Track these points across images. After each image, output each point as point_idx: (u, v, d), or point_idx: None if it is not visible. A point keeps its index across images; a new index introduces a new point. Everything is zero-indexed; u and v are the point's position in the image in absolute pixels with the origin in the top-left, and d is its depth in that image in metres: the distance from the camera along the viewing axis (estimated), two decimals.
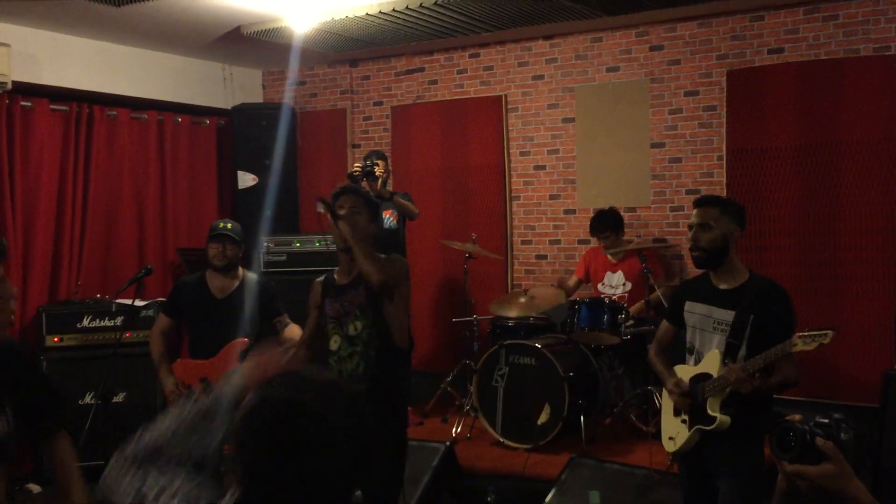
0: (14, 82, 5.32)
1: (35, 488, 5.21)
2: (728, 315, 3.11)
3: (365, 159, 5.77)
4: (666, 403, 3.38)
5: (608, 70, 6.11)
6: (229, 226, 4.38)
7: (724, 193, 5.45)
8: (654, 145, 5.97)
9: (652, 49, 5.94)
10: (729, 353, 3.08)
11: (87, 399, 5.35)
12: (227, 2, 5.03)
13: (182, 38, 6.01)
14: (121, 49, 6.18)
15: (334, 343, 3.46)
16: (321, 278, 3.61)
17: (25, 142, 5.76)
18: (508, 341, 5.27)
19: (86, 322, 5.55)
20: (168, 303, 4.52)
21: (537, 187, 6.42)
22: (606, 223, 5.59)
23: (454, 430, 5.38)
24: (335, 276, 3.54)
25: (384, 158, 5.91)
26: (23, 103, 5.71)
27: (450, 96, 6.73)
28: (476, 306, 5.94)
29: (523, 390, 5.12)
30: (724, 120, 5.66)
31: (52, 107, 5.92)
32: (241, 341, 4.13)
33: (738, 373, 2.98)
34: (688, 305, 3.29)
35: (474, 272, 6.11)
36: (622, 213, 5.78)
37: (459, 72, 6.68)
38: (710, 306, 3.19)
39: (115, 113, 6.34)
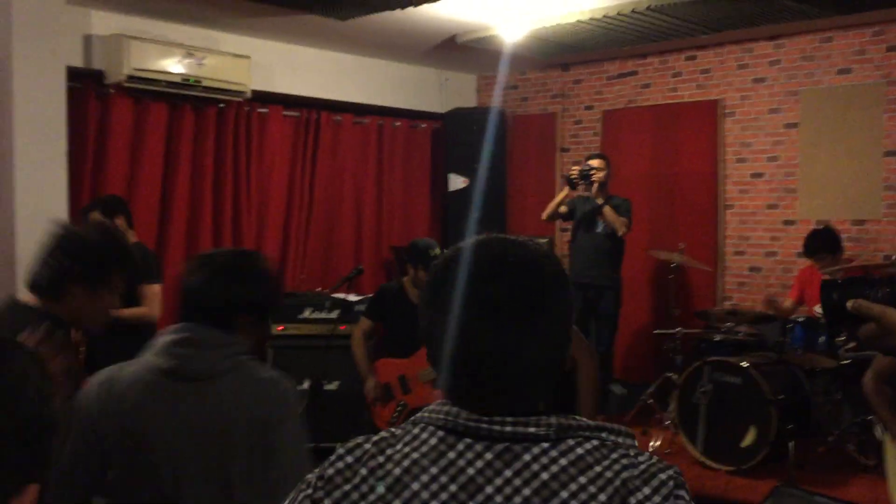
0: (253, 91, 5.83)
1: None
2: None
3: (586, 160, 5.76)
4: (892, 450, 3.10)
5: (839, 72, 5.68)
6: (439, 252, 4.56)
7: None
8: (888, 153, 5.48)
9: (890, 49, 5.45)
10: None
11: (304, 385, 5.77)
12: (442, 13, 5.22)
13: (401, 46, 6.31)
14: (346, 58, 6.60)
15: None
16: None
17: (261, 145, 6.30)
18: (713, 358, 5.07)
19: (306, 314, 5.99)
20: (370, 307, 4.76)
21: (754, 196, 6.11)
22: (820, 244, 5.13)
23: (653, 443, 5.26)
24: None
25: (604, 159, 5.84)
26: (259, 110, 6.25)
27: (663, 100, 6.55)
28: (681, 318, 5.76)
29: (727, 410, 4.90)
30: None
31: (284, 113, 6.43)
32: None
33: None
34: None
35: (681, 283, 5.92)
36: (850, 226, 5.36)
37: (674, 75, 6.49)
38: None
39: (339, 118, 6.78)
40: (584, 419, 1.07)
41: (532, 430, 1.04)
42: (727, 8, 4.97)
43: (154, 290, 4.49)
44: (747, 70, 6.10)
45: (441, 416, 1.08)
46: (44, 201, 4.90)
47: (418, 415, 1.13)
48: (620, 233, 5.66)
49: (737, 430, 4.76)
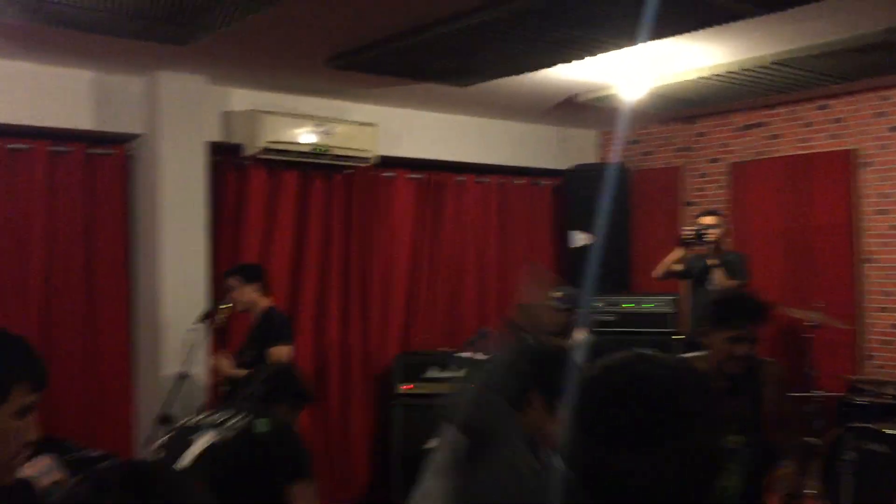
0: (379, 156, 6.04)
1: None
2: None
3: (697, 217, 5.68)
4: None
5: None
6: (558, 294, 4.56)
7: None
8: None
9: None
10: None
11: (432, 444, 5.81)
12: (561, 75, 5.27)
13: (520, 108, 6.40)
14: (466, 120, 6.74)
15: None
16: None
17: (387, 207, 6.49)
18: (857, 424, 4.78)
19: (432, 372, 6.07)
20: None
21: None
22: None
23: None
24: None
25: (717, 215, 5.74)
26: (385, 174, 6.46)
27: (793, 151, 6.33)
28: (820, 380, 5.48)
29: (876, 481, 4.60)
30: None
31: (409, 176, 6.62)
32: None
33: None
34: None
35: (819, 342, 5.64)
36: None
37: (805, 125, 6.27)
38: None
39: (462, 178, 6.91)
40: None
41: None
42: (857, 59, 4.78)
43: (282, 352, 4.69)
44: (884, 118, 5.82)
45: None
46: (186, 266, 5.24)
47: None
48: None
49: (888, 502, 4.45)
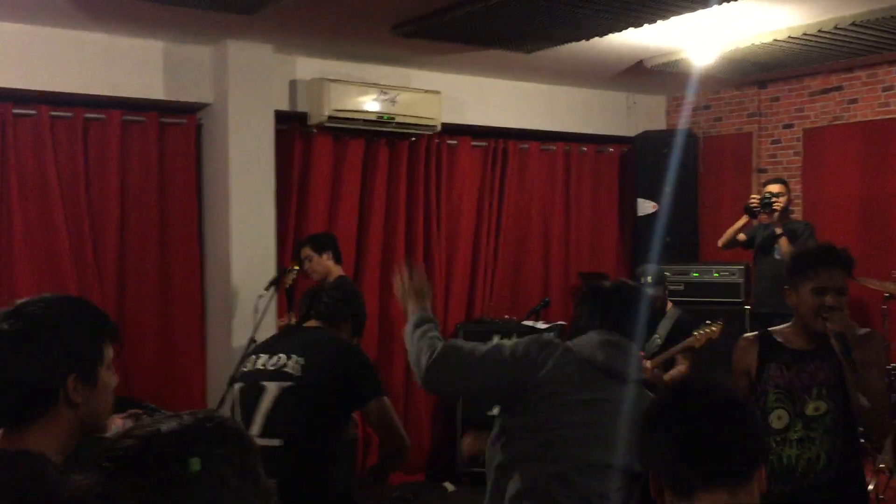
0: (442, 124, 6.02)
1: (450, 487, 5.85)
2: None
3: (764, 185, 5.56)
4: None
5: None
6: (650, 278, 4.59)
7: None
8: None
9: None
10: None
11: (495, 410, 5.83)
12: (628, 39, 5.15)
13: (587, 73, 6.29)
14: (531, 87, 6.66)
15: (779, 420, 2.82)
16: (752, 336, 3.01)
17: (450, 175, 6.48)
18: None
19: (495, 340, 6.06)
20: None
21: None
22: None
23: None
24: (782, 337, 2.92)
25: (783, 184, 5.61)
26: (449, 142, 6.44)
27: (872, 116, 6.09)
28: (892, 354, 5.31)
29: None
30: None
31: (473, 143, 6.59)
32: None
33: None
34: None
35: (895, 314, 5.46)
36: None
37: (885, 89, 6.02)
38: None
39: (526, 146, 6.85)
40: None
41: None
42: None
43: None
44: None
45: None
46: (255, 234, 5.34)
47: None
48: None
49: None
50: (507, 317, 6.37)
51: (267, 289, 4.97)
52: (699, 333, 4.29)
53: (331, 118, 5.51)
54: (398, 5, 4.46)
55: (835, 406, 2.77)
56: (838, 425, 2.76)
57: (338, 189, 5.95)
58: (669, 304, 4.83)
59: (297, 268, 5.00)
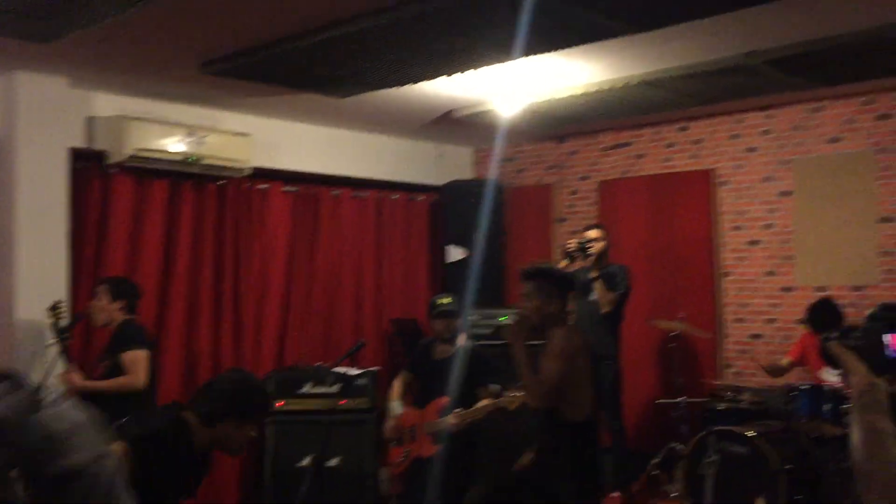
0: (253, 167, 5.89)
1: None
2: None
3: (585, 230, 5.83)
4: None
5: (830, 141, 5.78)
6: (447, 300, 4.73)
7: None
8: (882, 220, 5.54)
9: (879, 118, 5.56)
10: None
11: (305, 462, 5.68)
12: (438, 90, 5.33)
13: (398, 122, 6.42)
14: (344, 133, 6.70)
15: None
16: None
17: (261, 220, 6.33)
18: (718, 427, 5.02)
19: (306, 388, 5.94)
20: (408, 361, 5.09)
21: (751, 263, 6.14)
22: (828, 320, 4.90)
23: None
24: None
25: (601, 229, 5.83)
26: (259, 186, 6.30)
27: (658, 170, 6.64)
28: (685, 387, 5.73)
29: (735, 481, 4.84)
30: None
31: (284, 188, 6.49)
32: (443, 400, 4.53)
33: None
34: None
35: (683, 352, 5.91)
36: (848, 291, 5.39)
37: (668, 145, 6.59)
38: None
39: (339, 192, 6.85)
40: None
41: None
42: (718, 81, 5.08)
43: (137, 356, 4.50)
44: (739, 140, 6.20)
45: None
46: (44, 280, 4.93)
47: None
48: (603, 311, 5.63)
49: (745, 502, 4.68)
50: (319, 363, 6.25)
51: (57, 336, 4.58)
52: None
53: (132, 157, 5.24)
54: (207, 42, 4.35)
55: None
56: None
57: (140, 232, 5.64)
58: (462, 338, 4.88)
59: (76, 320, 4.75)
